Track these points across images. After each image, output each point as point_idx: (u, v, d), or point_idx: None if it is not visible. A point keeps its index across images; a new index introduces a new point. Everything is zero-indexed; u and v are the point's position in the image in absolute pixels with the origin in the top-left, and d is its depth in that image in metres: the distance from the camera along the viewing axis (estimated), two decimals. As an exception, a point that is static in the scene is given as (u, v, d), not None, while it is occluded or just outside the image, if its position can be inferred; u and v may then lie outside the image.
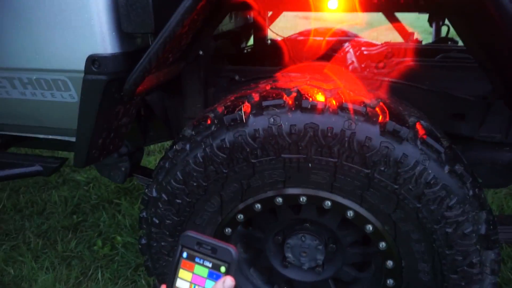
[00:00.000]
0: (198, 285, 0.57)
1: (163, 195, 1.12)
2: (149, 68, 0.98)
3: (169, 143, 2.40)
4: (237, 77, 1.49)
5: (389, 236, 1.03)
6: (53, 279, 1.71)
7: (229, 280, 0.56)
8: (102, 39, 1.05)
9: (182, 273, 0.58)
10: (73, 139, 1.36)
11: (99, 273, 1.75)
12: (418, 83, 1.37)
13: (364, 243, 1.19)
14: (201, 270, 0.57)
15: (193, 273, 0.58)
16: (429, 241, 0.99)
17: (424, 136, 0.94)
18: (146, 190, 1.16)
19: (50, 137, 1.42)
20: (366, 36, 2.55)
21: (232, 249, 0.57)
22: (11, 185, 2.50)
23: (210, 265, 0.57)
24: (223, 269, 0.57)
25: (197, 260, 0.58)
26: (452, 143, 1.01)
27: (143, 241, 1.23)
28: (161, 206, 1.13)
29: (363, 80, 1.23)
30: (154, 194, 1.14)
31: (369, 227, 1.03)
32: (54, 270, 1.78)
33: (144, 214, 1.20)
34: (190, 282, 0.58)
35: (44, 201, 2.39)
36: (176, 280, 0.58)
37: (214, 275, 0.57)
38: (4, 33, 1.12)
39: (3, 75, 1.20)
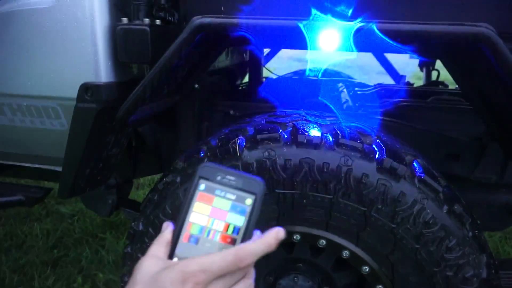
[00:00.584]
0: (218, 219, 0.50)
1: (150, 230, 1.06)
2: (143, 97, 0.96)
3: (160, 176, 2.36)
4: (232, 112, 1.49)
5: (386, 278, 0.98)
6: (26, 320, 1.59)
7: (282, 232, 0.50)
8: (96, 67, 1.04)
9: (198, 206, 0.51)
10: (57, 167, 1.32)
11: (78, 313, 1.64)
12: (412, 123, 1.38)
13: (359, 286, 1.14)
14: (222, 203, 0.51)
15: (212, 206, 0.51)
16: (429, 285, 0.94)
17: (422, 175, 0.92)
18: (133, 223, 1.11)
19: (37, 166, 1.37)
20: (358, 79, 2.61)
21: (260, 179, 0.51)
22: (-9, 216, 2.40)
23: (233, 197, 0.51)
24: (249, 201, 0.50)
25: (217, 192, 0.51)
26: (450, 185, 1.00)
27: (127, 279, 1.16)
28: (147, 241, 1.07)
29: (358, 118, 1.23)
30: (141, 228, 1.09)
31: (366, 268, 0.99)
32: (28, 310, 1.67)
33: (129, 249, 1.14)
34: (209, 216, 0.50)
35: (24, 233, 2.28)
36: (189, 214, 0.50)
37: (238, 208, 0.50)
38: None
39: (-7, 100, 1.17)
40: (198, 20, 0.88)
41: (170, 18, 1.08)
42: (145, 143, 1.50)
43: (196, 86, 1.38)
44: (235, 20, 0.88)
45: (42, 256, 2.08)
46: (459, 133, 1.33)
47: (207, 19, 0.88)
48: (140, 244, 1.10)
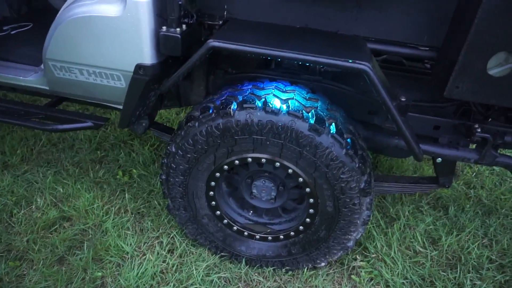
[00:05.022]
0: None
1: (179, 151, 1.82)
2: (177, 80, 1.63)
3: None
4: (230, 70, 2.13)
5: (311, 185, 1.78)
6: (92, 197, 2.44)
7: None
8: (146, 55, 1.67)
9: None
10: (114, 105, 2.02)
11: (125, 194, 2.49)
12: (350, 86, 2.03)
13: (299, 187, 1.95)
14: None
15: None
16: (332, 190, 1.74)
17: (334, 132, 1.65)
18: (168, 146, 1.86)
19: (98, 102, 2.07)
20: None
21: None
22: (44, 123, 3.13)
23: None
24: None
25: None
26: (354, 136, 1.72)
27: (163, 177, 1.95)
28: (177, 157, 1.84)
29: (310, 84, 1.89)
30: (173, 150, 1.84)
31: (301, 179, 1.78)
32: (92, 191, 2.51)
33: (165, 160, 1.91)
34: None
35: (72, 138, 3.06)
36: None
37: None
38: (81, 42, 1.72)
39: (76, 66, 1.82)
40: (211, 43, 1.50)
41: (191, 21, 1.68)
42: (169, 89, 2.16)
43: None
44: (240, 48, 1.49)
45: (90, 155, 2.87)
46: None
47: (217, 43, 1.50)
48: (172, 159, 1.86)
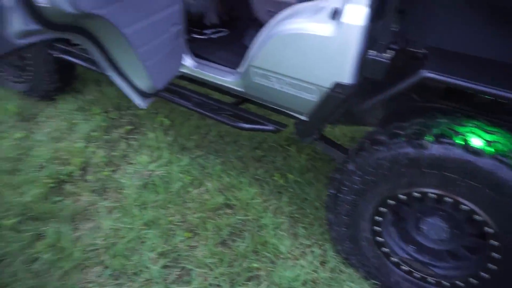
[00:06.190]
0: None
1: (358, 171, 1.83)
2: (378, 105, 1.65)
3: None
4: (414, 96, 2.06)
5: (502, 239, 1.60)
6: (253, 193, 2.65)
7: None
8: (347, 74, 1.73)
9: None
10: (295, 114, 2.14)
11: (281, 196, 2.64)
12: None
13: (479, 236, 1.77)
14: None
15: None
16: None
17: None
18: (345, 164, 1.89)
19: (282, 110, 2.23)
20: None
21: None
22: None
23: None
24: None
25: None
26: None
27: (332, 191, 2.00)
28: (355, 177, 1.85)
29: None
30: (352, 168, 1.86)
31: (489, 230, 1.62)
32: (253, 186, 2.73)
33: (337, 176, 1.95)
34: None
35: (236, 133, 3.37)
36: None
37: None
38: (287, 55, 1.88)
39: (275, 76, 1.99)
40: (426, 74, 1.48)
41: (396, 47, 1.68)
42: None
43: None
44: (458, 82, 1.44)
45: (251, 153, 3.13)
46: None
47: (432, 75, 1.47)
48: (348, 177, 1.88)
